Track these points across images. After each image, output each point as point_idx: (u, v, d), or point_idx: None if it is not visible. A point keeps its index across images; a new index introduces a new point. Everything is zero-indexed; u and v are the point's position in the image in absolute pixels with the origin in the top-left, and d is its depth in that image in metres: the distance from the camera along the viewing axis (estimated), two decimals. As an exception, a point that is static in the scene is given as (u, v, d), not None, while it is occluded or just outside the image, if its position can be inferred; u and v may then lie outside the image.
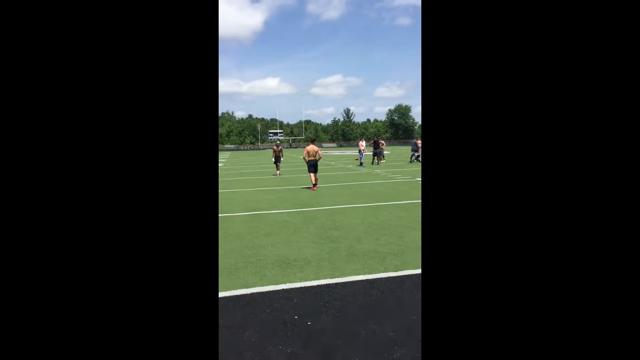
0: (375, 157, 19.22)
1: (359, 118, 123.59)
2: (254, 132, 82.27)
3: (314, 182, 10.03)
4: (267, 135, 75.63)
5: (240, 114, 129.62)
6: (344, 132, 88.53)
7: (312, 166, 10.15)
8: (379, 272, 3.59)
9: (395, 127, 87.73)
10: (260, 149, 68.12)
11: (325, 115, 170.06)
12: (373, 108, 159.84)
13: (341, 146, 72.79)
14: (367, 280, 3.38)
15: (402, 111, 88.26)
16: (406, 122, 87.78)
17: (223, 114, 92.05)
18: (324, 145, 71.24)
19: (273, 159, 15.01)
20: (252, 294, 3.13)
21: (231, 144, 76.77)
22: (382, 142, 20.08)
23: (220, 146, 67.07)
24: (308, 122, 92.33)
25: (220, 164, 23.42)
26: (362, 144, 20.09)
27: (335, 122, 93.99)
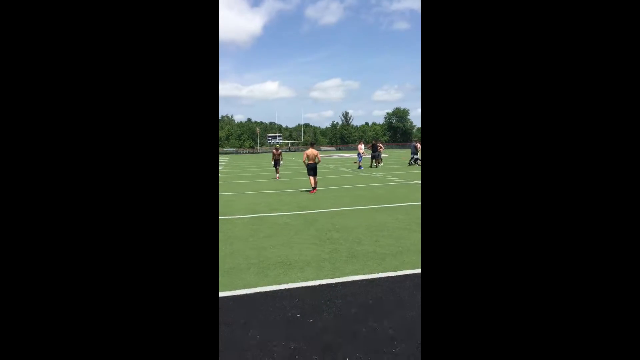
0: (374, 160, 19.33)
1: (357, 121, 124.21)
2: (253, 135, 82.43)
3: (313, 185, 10.13)
4: (266, 138, 75.79)
5: (239, 117, 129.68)
6: (342, 135, 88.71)
7: (312, 169, 10.25)
8: (378, 272, 3.67)
9: (393, 131, 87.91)
10: (259, 153, 68.23)
11: (324, 118, 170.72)
12: (371, 111, 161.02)
13: (340, 149, 72.92)
14: (366, 280, 3.46)
15: (400, 114, 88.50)
16: (404, 126, 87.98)
17: (222, 117, 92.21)
18: (323, 148, 71.32)
19: (272, 162, 15.10)
20: (255, 294, 3.21)
21: (230, 148, 76.91)
22: (380, 145, 20.20)
23: (219, 149, 67.11)
24: (307, 125, 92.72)
25: (220, 167, 23.48)
26: (361, 147, 20.23)
27: (333, 126, 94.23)
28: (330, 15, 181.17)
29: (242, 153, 68.63)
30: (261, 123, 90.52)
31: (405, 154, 34.62)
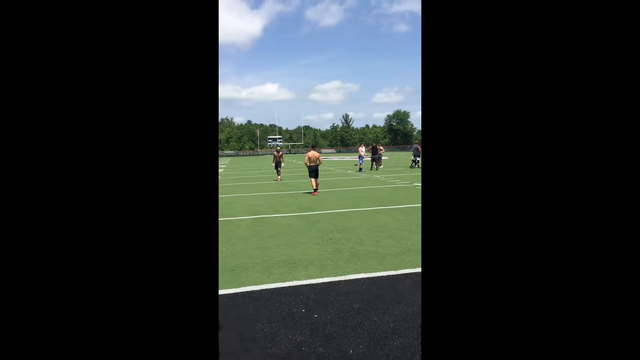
0: (374, 163, 19.49)
1: (357, 124, 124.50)
2: (253, 137, 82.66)
3: (314, 187, 10.26)
4: (266, 141, 76.00)
5: (239, 119, 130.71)
6: (342, 137, 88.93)
7: (313, 171, 10.40)
8: (380, 270, 3.81)
9: (393, 133, 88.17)
10: (259, 155, 68.40)
11: (324, 121, 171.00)
12: (371, 114, 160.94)
13: (340, 152, 73.11)
14: (368, 278, 3.60)
15: (400, 117, 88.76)
16: (405, 128, 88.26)
17: (222, 119, 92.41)
18: (323, 151, 71.54)
19: (273, 164, 15.26)
20: (261, 290, 3.35)
21: (230, 150, 77.10)
22: (381, 148, 20.37)
23: (219, 152, 67.30)
24: (307, 127, 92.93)
25: (220, 170, 23.62)
26: (362, 149, 20.40)
27: (334, 128, 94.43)
28: (330, 17, 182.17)
29: (243, 155, 68.86)
30: (261, 125, 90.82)
31: (405, 156, 34.78)
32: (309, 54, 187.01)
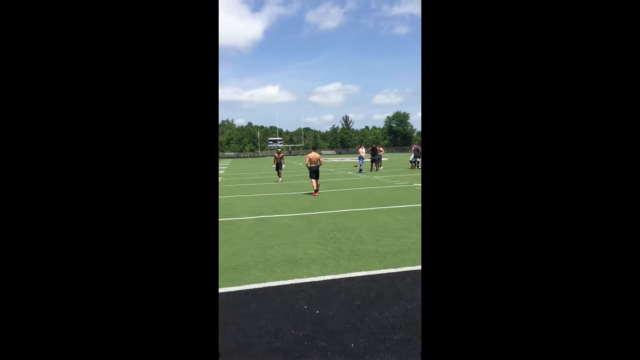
0: (374, 164, 19.56)
1: (357, 125, 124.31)
2: (253, 139, 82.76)
3: (315, 188, 10.33)
4: (267, 142, 76.10)
5: (239, 121, 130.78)
6: (342, 139, 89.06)
7: (314, 172, 10.46)
8: (380, 268, 3.87)
9: (393, 134, 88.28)
10: (259, 157, 68.51)
11: (324, 122, 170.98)
12: (371, 115, 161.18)
13: (340, 153, 73.22)
14: (369, 276, 3.66)
15: (400, 118, 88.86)
16: (404, 129, 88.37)
17: (223, 122, 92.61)
18: (323, 152, 71.65)
19: (274, 166, 15.32)
20: (264, 288, 3.41)
21: (231, 152, 77.24)
22: (381, 149, 20.44)
23: (220, 154, 67.43)
24: (307, 129, 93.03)
25: (221, 171, 23.69)
26: (362, 150, 20.47)
27: (334, 130, 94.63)
28: (330, 20, 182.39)
29: (243, 157, 68.97)
30: (262, 127, 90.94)
31: (405, 157, 34.84)
32: (310, 56, 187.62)
